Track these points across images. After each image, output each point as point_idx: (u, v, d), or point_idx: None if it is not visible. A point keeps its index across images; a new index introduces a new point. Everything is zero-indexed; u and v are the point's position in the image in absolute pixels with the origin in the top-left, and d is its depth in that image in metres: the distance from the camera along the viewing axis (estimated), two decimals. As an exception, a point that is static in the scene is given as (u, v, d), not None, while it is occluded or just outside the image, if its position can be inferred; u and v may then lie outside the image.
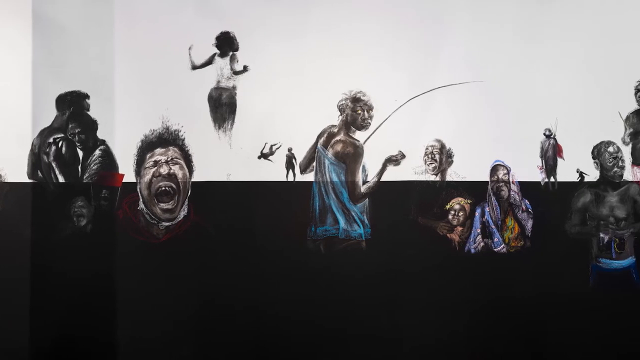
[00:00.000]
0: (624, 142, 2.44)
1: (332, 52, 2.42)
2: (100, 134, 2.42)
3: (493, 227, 2.43)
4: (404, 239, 2.40)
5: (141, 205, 2.41)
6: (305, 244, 2.41)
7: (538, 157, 2.43)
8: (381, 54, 2.43)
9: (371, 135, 2.44)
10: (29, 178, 2.40)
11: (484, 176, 2.44)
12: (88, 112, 2.42)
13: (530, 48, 2.43)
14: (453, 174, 2.43)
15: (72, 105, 2.41)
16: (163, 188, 2.40)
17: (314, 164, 2.43)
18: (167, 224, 2.41)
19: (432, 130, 2.43)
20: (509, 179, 2.43)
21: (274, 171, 2.42)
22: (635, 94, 2.43)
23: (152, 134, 2.41)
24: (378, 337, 2.40)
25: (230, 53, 2.43)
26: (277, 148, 2.42)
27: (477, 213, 2.44)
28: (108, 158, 2.42)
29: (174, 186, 2.41)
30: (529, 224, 2.43)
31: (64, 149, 2.42)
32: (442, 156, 2.42)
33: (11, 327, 2.37)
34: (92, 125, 2.42)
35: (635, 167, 2.44)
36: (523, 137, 2.43)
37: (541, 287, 2.41)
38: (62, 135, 2.42)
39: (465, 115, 2.42)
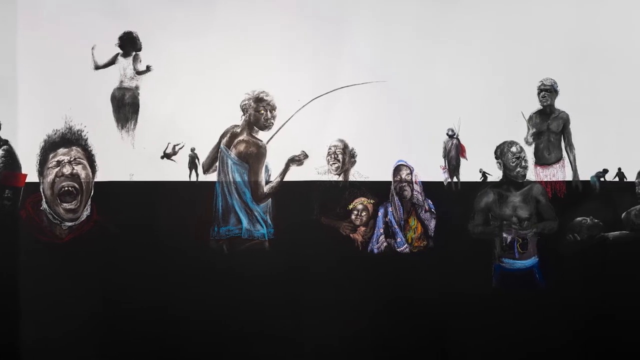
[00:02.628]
0: (526, 142, 2.44)
1: (235, 52, 2.42)
2: (3, 134, 2.41)
3: (396, 227, 2.43)
4: (307, 239, 2.41)
5: (44, 205, 2.40)
6: (208, 244, 2.41)
7: (441, 157, 2.43)
8: (284, 54, 2.43)
9: (274, 135, 2.44)
10: None
11: (387, 176, 2.44)
12: (-9, 112, 2.42)
13: (432, 48, 2.43)
14: (356, 174, 2.43)
15: (-25, 106, 2.41)
16: (66, 188, 2.40)
17: (217, 164, 2.43)
18: (70, 224, 2.40)
19: (335, 130, 2.43)
20: (411, 179, 2.43)
21: (177, 171, 2.41)
22: (538, 94, 2.43)
23: (55, 134, 2.41)
24: (281, 337, 2.40)
25: (133, 53, 2.43)
26: (180, 148, 2.42)
27: (380, 213, 2.44)
28: (11, 158, 2.41)
29: (77, 186, 2.40)
30: (432, 224, 2.43)
31: (-33, 149, 2.42)
32: (345, 156, 2.42)
33: None
34: (-5, 125, 2.42)
35: (538, 167, 2.44)
36: (426, 137, 2.43)
37: (444, 287, 2.41)
38: (-35, 135, 2.42)
39: (368, 115, 2.42)
